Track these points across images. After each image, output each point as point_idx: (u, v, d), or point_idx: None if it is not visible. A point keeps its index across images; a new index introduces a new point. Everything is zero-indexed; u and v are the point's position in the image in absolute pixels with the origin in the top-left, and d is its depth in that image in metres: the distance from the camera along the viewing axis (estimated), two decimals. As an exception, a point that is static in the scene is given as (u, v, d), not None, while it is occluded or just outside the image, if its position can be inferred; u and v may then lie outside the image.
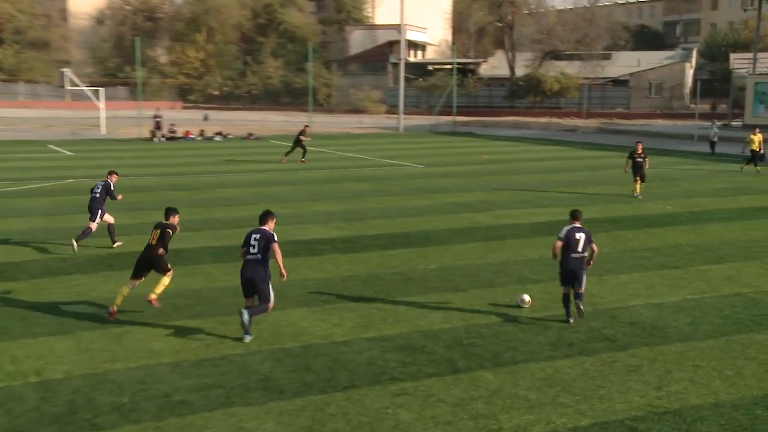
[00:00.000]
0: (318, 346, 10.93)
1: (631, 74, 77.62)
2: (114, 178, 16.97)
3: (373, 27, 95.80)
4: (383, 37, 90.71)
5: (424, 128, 59.43)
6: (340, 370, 10.02)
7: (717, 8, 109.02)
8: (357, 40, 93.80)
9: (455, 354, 10.61)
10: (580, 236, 11.79)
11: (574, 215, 12.11)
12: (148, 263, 11.96)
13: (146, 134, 48.59)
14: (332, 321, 11.99)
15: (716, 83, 74.25)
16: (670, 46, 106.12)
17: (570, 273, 11.77)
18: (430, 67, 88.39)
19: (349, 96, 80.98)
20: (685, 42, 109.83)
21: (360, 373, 9.93)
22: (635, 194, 24.27)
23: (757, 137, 31.23)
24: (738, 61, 66.64)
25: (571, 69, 74.67)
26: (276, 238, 11.06)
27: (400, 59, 60.38)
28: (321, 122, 62.40)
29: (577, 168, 33.11)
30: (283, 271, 11.07)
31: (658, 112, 71.48)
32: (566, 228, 11.88)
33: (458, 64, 72.57)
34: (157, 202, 22.29)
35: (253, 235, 11.05)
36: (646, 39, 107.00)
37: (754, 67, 56.15)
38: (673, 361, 10.33)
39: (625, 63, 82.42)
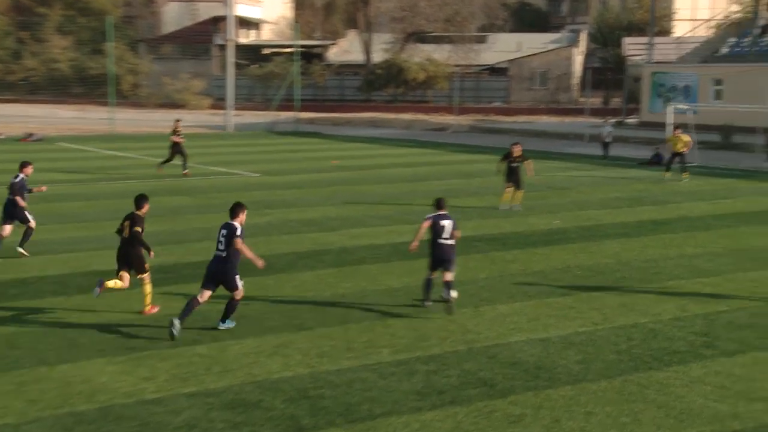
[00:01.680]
0: (121, 407, 10.67)
1: (511, 61, 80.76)
2: (29, 170, 19.32)
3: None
4: (206, 12, 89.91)
5: (260, 127, 59.36)
6: (151, 438, 9.83)
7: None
8: (172, 15, 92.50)
9: (299, 409, 10.65)
10: (446, 223, 14.73)
11: (439, 203, 15.05)
12: (126, 259, 14.40)
13: None
14: (141, 374, 11.75)
15: (609, 73, 78.56)
16: (556, 28, 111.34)
17: (438, 259, 14.74)
18: (266, 51, 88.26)
19: (163, 86, 79.54)
20: (572, 23, 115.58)
21: (178, 441, 9.78)
22: (503, 206, 25.24)
23: (684, 138, 32.93)
24: (632, 47, 70.89)
25: (440, 54, 76.74)
26: (240, 233, 13.14)
27: (227, 40, 60.00)
28: (126, 119, 60.98)
29: (447, 175, 34.08)
30: (258, 262, 13.47)
31: (543, 106, 74.73)
32: (431, 214, 14.74)
33: (301, 47, 72.97)
34: None
35: (221, 231, 13.34)
36: (527, 19, 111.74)
37: (650, 54, 59.85)
38: (561, 408, 10.82)
39: (504, 47, 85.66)
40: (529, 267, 18.24)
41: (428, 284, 15.00)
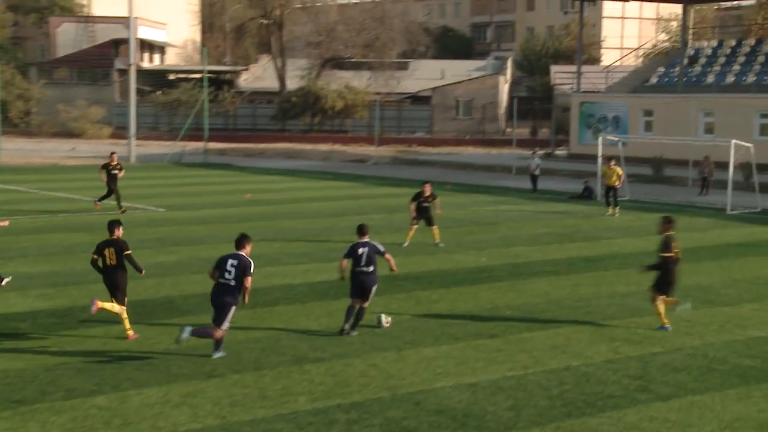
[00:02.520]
0: (12, 466, 10.36)
1: (434, 89, 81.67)
2: None
3: (91, 19, 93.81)
4: (105, 34, 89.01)
5: (166, 158, 58.78)
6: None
7: (533, 9, 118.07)
8: (67, 37, 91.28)
9: (210, 465, 10.47)
10: (363, 251, 15.91)
11: (361, 230, 16.34)
12: (114, 283, 15.65)
13: None
14: (31, 430, 11.44)
15: (536, 102, 79.99)
16: (480, 55, 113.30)
17: (358, 288, 15.92)
18: (172, 76, 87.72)
19: (58, 113, 78.33)
20: (498, 49, 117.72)
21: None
22: (406, 242, 25.50)
23: (618, 170, 33.64)
24: (560, 75, 72.39)
25: (359, 81, 77.20)
26: (252, 270, 14.37)
27: (129, 64, 59.44)
28: (16, 150, 59.81)
29: (368, 209, 34.18)
30: (247, 300, 14.46)
31: (468, 137, 75.67)
32: (352, 243, 16.12)
33: (210, 72, 72.74)
34: None
35: (230, 261, 14.40)
36: (450, 45, 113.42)
37: (578, 84, 61.18)
38: (491, 457, 10.84)
39: (426, 75, 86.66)
40: (456, 307, 18.34)
41: (350, 311, 16.06)
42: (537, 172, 42.23)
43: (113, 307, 15.60)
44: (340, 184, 45.12)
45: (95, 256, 15.96)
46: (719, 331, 16.74)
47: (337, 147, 69.68)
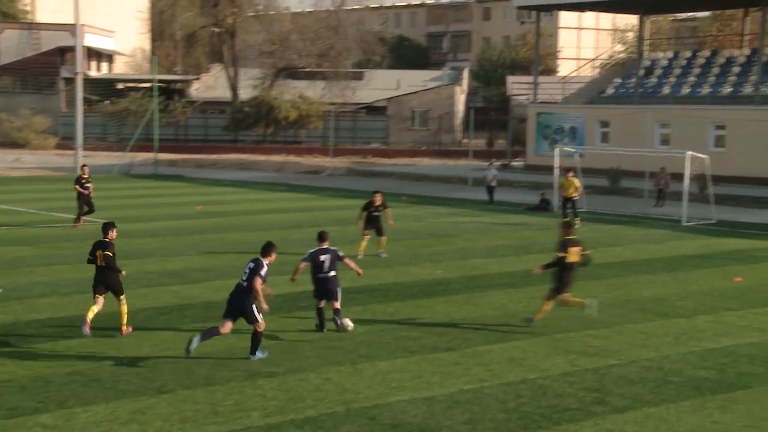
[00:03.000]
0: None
1: (390, 99, 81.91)
2: None
3: (35, 26, 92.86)
4: (51, 42, 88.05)
5: (114, 169, 58.30)
6: None
7: (490, 19, 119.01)
8: (10, 45, 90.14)
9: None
10: (325, 257, 17.02)
11: (321, 237, 17.43)
12: (105, 284, 16.79)
13: None
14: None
15: (492, 113, 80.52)
16: (436, 65, 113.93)
17: (323, 291, 17.10)
18: (120, 86, 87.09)
19: (1, 123, 77.44)
20: (454, 59, 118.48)
21: None
22: (360, 254, 25.35)
23: (576, 182, 33.92)
24: (516, 86, 72.95)
25: (313, 92, 77.21)
26: (264, 273, 15.14)
27: (76, 73, 58.96)
28: (-41, 160, 59.00)
29: (323, 221, 34.15)
30: (264, 306, 15.18)
31: (424, 148, 75.93)
32: (311, 250, 17.18)
33: (160, 81, 72.34)
34: None
35: (249, 264, 15.39)
36: (406, 55, 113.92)
37: (534, 94, 61.71)
38: (447, 471, 10.91)
39: (382, 85, 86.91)
40: (412, 320, 18.42)
41: (319, 312, 17.36)
42: (493, 184, 42.49)
43: (93, 311, 16.64)
44: (294, 195, 45.07)
45: (90, 256, 17.22)
46: (675, 343, 16.98)
47: (291, 158, 69.58)
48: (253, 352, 15.30)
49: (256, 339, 15.32)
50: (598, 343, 16.87)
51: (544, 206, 39.13)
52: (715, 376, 14.90)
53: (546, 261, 18.45)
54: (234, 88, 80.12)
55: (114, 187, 47.84)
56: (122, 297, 16.95)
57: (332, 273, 17.20)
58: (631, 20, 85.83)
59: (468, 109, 79.40)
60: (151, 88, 65.56)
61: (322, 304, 17.38)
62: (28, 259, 24.88)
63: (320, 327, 17.29)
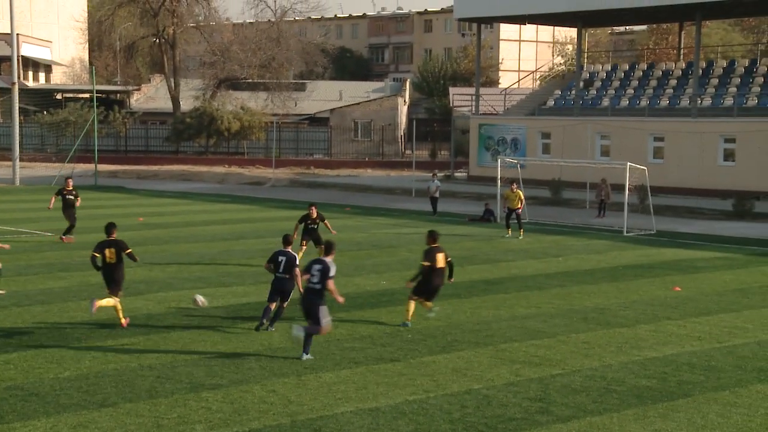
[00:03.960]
0: None
1: (332, 111, 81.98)
2: None
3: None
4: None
5: (54, 181, 57.49)
6: None
7: (431, 31, 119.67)
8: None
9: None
10: (282, 259, 18.06)
11: (285, 239, 18.60)
12: (113, 279, 18.18)
13: None
14: None
15: (435, 124, 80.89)
16: (378, 76, 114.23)
17: (278, 292, 18.14)
18: (59, 96, 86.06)
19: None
20: (396, 71, 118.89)
21: None
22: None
23: (518, 193, 34.13)
24: (459, 97, 73.36)
25: (255, 103, 76.99)
26: (333, 273, 16.22)
27: (12, 83, 58.14)
28: None
29: (267, 233, 34.04)
30: (340, 298, 16.90)
31: (367, 159, 76.05)
32: (275, 251, 18.42)
33: (99, 92, 71.55)
34: None
35: (315, 266, 16.28)
36: (348, 66, 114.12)
37: (476, 106, 62.13)
38: (393, 482, 10.90)
39: (324, 96, 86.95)
40: (356, 331, 18.40)
41: (267, 311, 18.23)
42: (437, 195, 42.63)
43: (108, 302, 17.97)
44: (237, 206, 44.82)
45: (96, 254, 18.37)
46: (617, 352, 17.15)
47: (234, 169, 69.26)
48: (306, 351, 16.07)
49: (310, 339, 16.08)
50: (542, 353, 16.98)
51: (487, 217, 39.35)
52: (657, 384, 15.08)
53: (413, 277, 19.10)
54: (175, 99, 79.53)
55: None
56: (121, 293, 18.37)
57: (287, 276, 18.06)
58: (570, 33, 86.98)
59: (410, 120, 79.65)
60: (90, 99, 64.85)
61: (273, 305, 18.20)
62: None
63: (259, 325, 18.13)
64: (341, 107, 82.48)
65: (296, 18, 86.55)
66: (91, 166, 60.19)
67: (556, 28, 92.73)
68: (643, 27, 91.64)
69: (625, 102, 56.03)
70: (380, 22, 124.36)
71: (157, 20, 78.11)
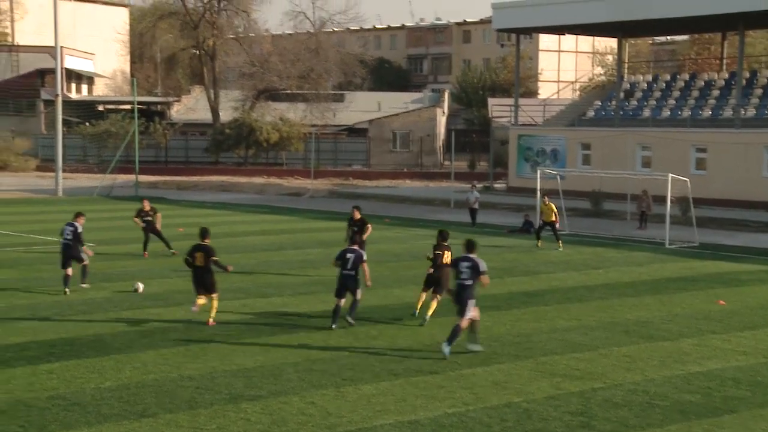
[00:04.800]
0: None
1: (371, 121, 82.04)
2: (81, 221, 24.15)
3: (15, 48, 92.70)
4: (30, 64, 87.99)
5: (95, 191, 58.08)
6: None
7: (470, 41, 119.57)
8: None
9: None
10: (350, 256, 19.62)
11: (353, 239, 21.12)
12: (201, 282, 19.49)
13: None
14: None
15: (474, 135, 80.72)
16: (417, 86, 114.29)
17: (342, 287, 19.63)
18: (100, 107, 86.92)
19: (-19, 145, 77.12)
20: (434, 81, 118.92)
21: None
22: None
23: (551, 206, 34.01)
24: (498, 108, 73.20)
25: (294, 113, 77.24)
26: (486, 268, 17.61)
27: (56, 95, 58.80)
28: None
29: (306, 243, 34.12)
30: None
31: (406, 170, 76.04)
32: (341, 250, 20.31)
33: (141, 103, 72.16)
34: None
35: (463, 263, 17.59)
36: (387, 76, 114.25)
37: (515, 117, 61.93)
38: (433, 496, 10.82)
39: (363, 107, 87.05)
40: (396, 343, 18.34)
41: (336, 310, 19.46)
42: (476, 206, 42.51)
43: (202, 301, 19.64)
44: (276, 217, 44.95)
45: (188, 257, 19.80)
46: (660, 366, 16.95)
47: (273, 180, 69.52)
48: (449, 343, 17.11)
49: (456, 333, 17.18)
50: (583, 366, 16.83)
51: (527, 228, 39.12)
52: (701, 400, 14.88)
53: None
54: (215, 110, 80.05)
55: (94, 209, 47.57)
56: (215, 295, 19.58)
57: (353, 272, 19.64)
58: (610, 43, 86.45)
59: (449, 131, 79.55)
60: (131, 110, 65.42)
61: (342, 302, 19.60)
62: (7, 282, 24.68)
63: (332, 323, 19.40)
64: (380, 118, 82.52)
65: (335, 29, 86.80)
66: (131, 177, 60.68)
67: (596, 38, 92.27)
68: (685, 37, 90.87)
69: (666, 113, 55.59)
70: (419, 32, 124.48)
71: (197, 32, 78.74)
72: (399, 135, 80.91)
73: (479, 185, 51.35)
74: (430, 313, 20.25)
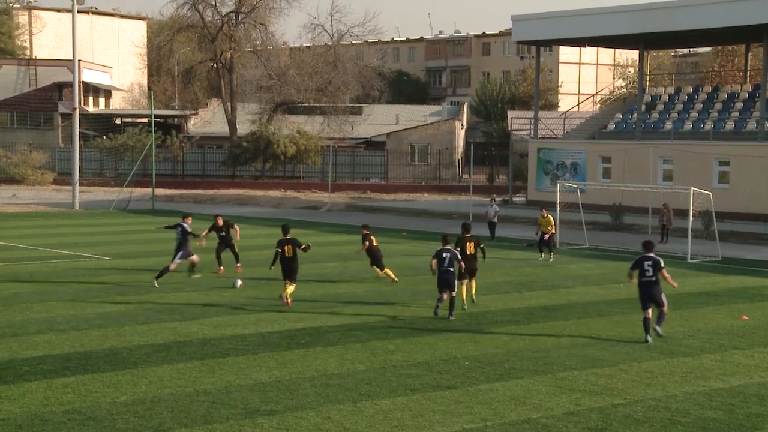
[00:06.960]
0: None
1: (389, 134, 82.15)
2: (189, 221, 27.91)
3: (32, 62, 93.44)
4: (48, 77, 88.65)
5: (112, 205, 58.36)
6: None
7: (489, 54, 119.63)
8: (7, 80, 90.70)
9: None
10: (446, 255, 22.23)
11: (444, 239, 22.93)
12: (292, 269, 23.36)
13: None
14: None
15: (493, 148, 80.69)
16: (435, 99, 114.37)
17: (444, 283, 22.07)
18: (117, 121, 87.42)
19: (-2, 158, 77.62)
20: (453, 94, 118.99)
21: None
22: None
23: (549, 218, 34.25)
24: (517, 121, 73.17)
25: (312, 126, 77.48)
26: (663, 264, 20.37)
27: (74, 108, 59.19)
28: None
29: (323, 257, 34.12)
30: (674, 283, 21.24)
31: (424, 183, 76.08)
32: (437, 249, 22.53)
33: (158, 117, 72.47)
34: None
35: (646, 262, 20.44)
36: (405, 89, 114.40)
37: (535, 130, 61.87)
38: None
39: (381, 120, 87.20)
40: (413, 357, 18.32)
41: (440, 301, 22.21)
42: (495, 220, 42.42)
43: (290, 289, 23.32)
44: (293, 231, 44.38)
45: (278, 249, 23.25)
46: (681, 382, 16.87)
47: (290, 193, 69.65)
48: (651, 332, 20.11)
49: (662, 316, 20.40)
50: (603, 381, 16.76)
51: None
52: (724, 416, 14.79)
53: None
54: (232, 123, 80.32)
55: (111, 223, 47.86)
56: (294, 284, 23.29)
57: (451, 268, 22.06)
58: (631, 55, 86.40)
59: (468, 144, 79.53)
60: (148, 124, 65.76)
61: (445, 295, 22.03)
62: (24, 296, 24.80)
63: (449, 317, 22.06)
64: (398, 131, 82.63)
65: (353, 42, 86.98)
66: (148, 191, 60.96)
67: (617, 50, 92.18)
68: (708, 49, 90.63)
69: (688, 125, 55.41)
70: (437, 45, 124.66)
71: (214, 45, 79.11)
72: (417, 148, 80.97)
73: (498, 199, 51.30)
74: (473, 293, 23.92)
